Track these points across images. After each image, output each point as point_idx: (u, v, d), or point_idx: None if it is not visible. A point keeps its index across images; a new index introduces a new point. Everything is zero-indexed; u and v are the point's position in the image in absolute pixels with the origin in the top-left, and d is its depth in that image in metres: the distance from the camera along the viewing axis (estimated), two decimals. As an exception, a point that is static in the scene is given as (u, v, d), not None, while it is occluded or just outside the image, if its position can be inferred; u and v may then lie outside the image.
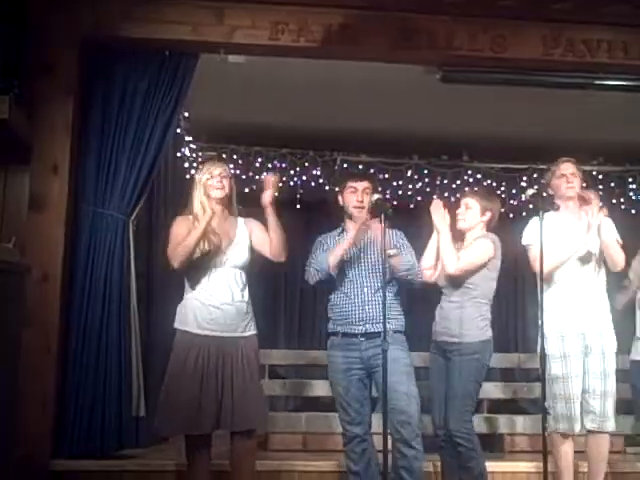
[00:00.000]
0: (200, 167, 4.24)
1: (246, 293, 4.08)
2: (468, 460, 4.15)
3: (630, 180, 7.73)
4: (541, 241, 3.94)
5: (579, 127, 6.65)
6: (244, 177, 7.37)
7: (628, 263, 4.55)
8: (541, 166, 7.68)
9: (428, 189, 7.56)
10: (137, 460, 4.68)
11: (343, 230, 4.33)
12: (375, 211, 4.09)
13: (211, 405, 3.87)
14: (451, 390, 4.18)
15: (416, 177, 7.61)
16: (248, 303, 4.08)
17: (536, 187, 6.49)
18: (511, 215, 7.76)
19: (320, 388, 5.96)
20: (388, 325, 3.95)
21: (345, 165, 7.51)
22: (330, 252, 4.18)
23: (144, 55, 4.90)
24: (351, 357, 4.15)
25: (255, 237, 4.14)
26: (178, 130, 6.15)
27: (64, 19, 4.76)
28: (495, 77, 5.31)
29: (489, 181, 7.68)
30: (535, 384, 5.93)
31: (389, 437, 3.91)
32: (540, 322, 4.15)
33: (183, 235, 3.95)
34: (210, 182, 4.06)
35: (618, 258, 4.25)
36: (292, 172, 7.44)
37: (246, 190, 7.43)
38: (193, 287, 4.02)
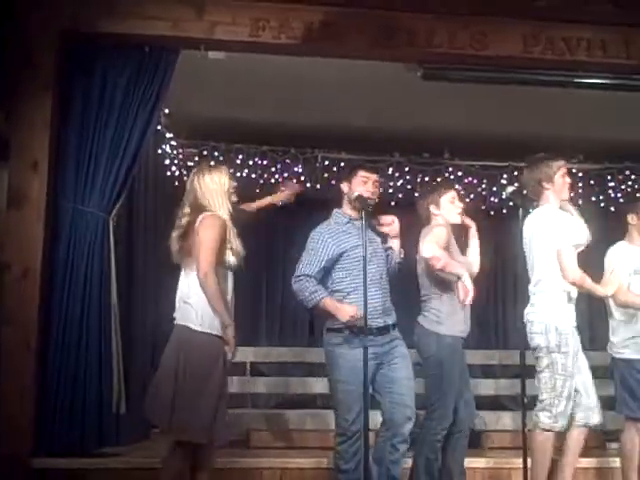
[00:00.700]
0: (208, 170, 4.11)
1: None
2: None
3: (609, 178, 7.78)
4: (522, 240, 4.00)
5: (559, 125, 6.69)
6: (225, 174, 7.35)
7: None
8: (521, 164, 7.71)
9: (409, 186, 7.57)
10: (118, 458, 4.66)
11: (350, 220, 4.30)
12: (356, 207, 4.15)
13: None
14: (467, 383, 4.35)
15: (397, 174, 7.62)
16: None
17: (516, 184, 6.60)
18: (492, 212, 7.83)
19: (301, 386, 5.97)
20: (391, 320, 4.14)
21: (326, 162, 7.51)
22: (329, 303, 4.10)
23: (124, 51, 4.87)
24: (367, 353, 4.08)
25: None
26: (159, 127, 6.12)
27: (43, 14, 4.73)
28: (475, 75, 5.33)
29: (470, 178, 7.70)
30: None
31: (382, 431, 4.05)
32: (526, 318, 4.23)
33: (217, 248, 3.84)
34: (232, 186, 4.05)
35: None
36: (273, 169, 7.42)
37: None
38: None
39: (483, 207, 7.88)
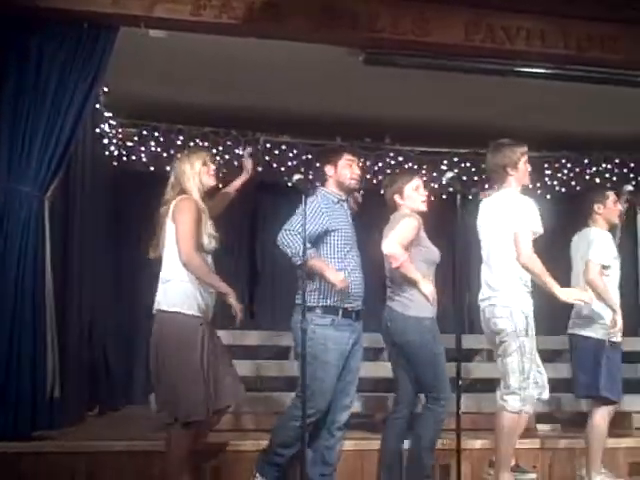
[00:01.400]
0: (186, 154, 4.22)
1: None
2: None
3: (546, 166, 7.93)
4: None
5: (498, 113, 6.79)
6: (165, 155, 7.27)
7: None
8: (461, 150, 7.84)
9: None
10: (53, 442, 4.58)
11: (340, 201, 4.33)
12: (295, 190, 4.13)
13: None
14: None
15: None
16: None
17: (456, 171, 6.68)
18: (432, 198, 7.89)
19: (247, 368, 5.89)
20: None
21: (268, 145, 7.47)
22: (318, 262, 4.09)
23: (62, 26, 4.76)
24: (350, 337, 4.17)
25: None
26: (97, 105, 6.01)
27: (-24, -14, 4.59)
28: (417, 61, 5.37)
29: (410, 164, 7.76)
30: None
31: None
32: (486, 302, 4.30)
33: (197, 231, 3.92)
34: (204, 169, 4.07)
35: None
36: (214, 151, 7.36)
37: (167, 168, 7.35)
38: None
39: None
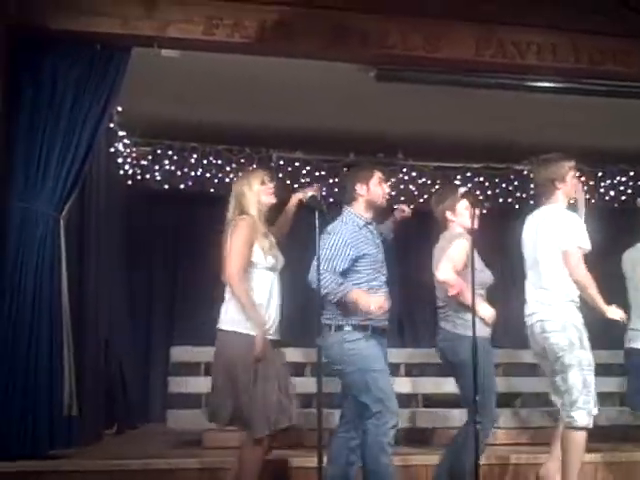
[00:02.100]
0: (244, 175, 4.31)
1: None
2: None
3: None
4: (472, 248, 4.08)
5: (512, 128, 6.79)
6: (179, 174, 7.33)
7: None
8: (474, 165, 7.85)
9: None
10: (70, 460, 4.59)
11: (367, 224, 4.21)
12: (309, 208, 4.12)
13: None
14: None
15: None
16: None
17: (469, 185, 6.69)
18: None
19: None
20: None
21: (281, 162, 7.51)
22: (354, 294, 4.00)
23: (75, 47, 4.81)
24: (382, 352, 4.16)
25: None
26: (111, 125, 6.06)
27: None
28: (428, 76, 5.39)
29: (424, 179, 7.77)
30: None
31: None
32: (535, 316, 4.28)
33: (247, 252, 3.96)
34: (262, 188, 4.11)
35: None
36: (228, 169, 7.41)
37: (181, 186, 7.42)
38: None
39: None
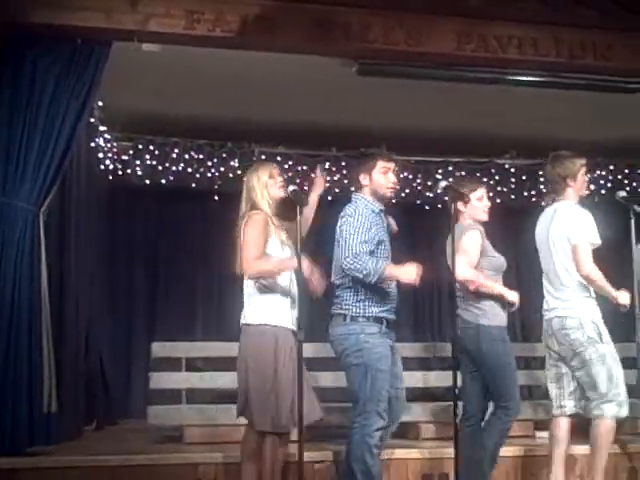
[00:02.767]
0: (254, 168, 4.29)
1: None
2: None
3: (540, 174, 7.94)
4: (453, 238, 4.08)
5: (493, 121, 6.81)
6: (160, 168, 7.29)
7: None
8: (456, 159, 7.86)
9: (346, 181, 7.60)
10: (50, 457, 4.56)
11: (380, 211, 4.18)
12: (291, 202, 4.12)
13: None
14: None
15: (334, 169, 7.65)
16: None
17: (450, 179, 6.69)
18: (427, 207, 7.93)
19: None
20: None
21: (263, 157, 7.48)
22: (394, 268, 4.01)
23: (56, 41, 4.77)
24: (390, 344, 4.15)
25: None
26: (92, 120, 6.02)
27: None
28: (410, 71, 5.39)
29: (405, 173, 7.77)
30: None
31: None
32: (553, 312, 4.32)
33: (262, 243, 3.98)
34: (271, 181, 4.16)
35: None
36: (209, 163, 7.38)
37: (163, 181, 7.37)
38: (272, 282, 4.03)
39: (418, 202, 7.98)
